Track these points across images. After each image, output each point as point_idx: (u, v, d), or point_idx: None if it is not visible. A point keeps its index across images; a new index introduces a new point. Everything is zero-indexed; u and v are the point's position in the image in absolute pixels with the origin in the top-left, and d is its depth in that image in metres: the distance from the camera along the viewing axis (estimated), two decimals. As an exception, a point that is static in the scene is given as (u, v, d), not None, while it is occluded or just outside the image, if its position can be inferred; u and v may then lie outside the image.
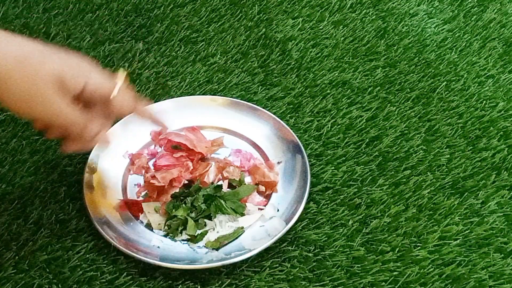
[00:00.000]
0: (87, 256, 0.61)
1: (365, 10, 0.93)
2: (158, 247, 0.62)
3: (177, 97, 0.77)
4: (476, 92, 0.81)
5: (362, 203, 0.68)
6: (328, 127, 0.75)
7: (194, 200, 0.65)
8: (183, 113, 0.74)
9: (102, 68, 0.54)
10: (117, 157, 0.70)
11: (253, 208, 0.66)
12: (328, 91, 0.80)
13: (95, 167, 0.68)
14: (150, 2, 0.92)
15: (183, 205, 0.65)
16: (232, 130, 0.73)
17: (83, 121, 0.53)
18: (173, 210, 0.64)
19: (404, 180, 0.70)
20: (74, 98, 0.52)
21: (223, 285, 0.60)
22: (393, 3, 0.94)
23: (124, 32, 0.87)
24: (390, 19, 0.92)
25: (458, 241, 0.64)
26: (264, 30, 0.88)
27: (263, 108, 0.77)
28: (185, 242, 0.63)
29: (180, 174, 0.67)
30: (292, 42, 0.87)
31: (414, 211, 0.67)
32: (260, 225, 0.65)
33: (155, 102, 0.77)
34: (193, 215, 0.64)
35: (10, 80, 0.48)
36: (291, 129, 0.72)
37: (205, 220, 0.64)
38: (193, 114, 0.74)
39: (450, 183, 0.70)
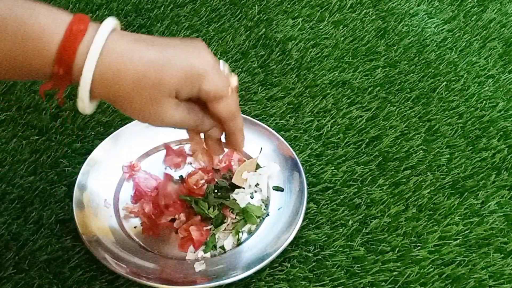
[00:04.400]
0: (87, 256, 0.61)
1: (365, 10, 0.93)
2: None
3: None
4: (476, 92, 0.81)
5: (362, 203, 0.68)
6: (328, 127, 0.75)
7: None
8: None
9: (216, 66, 0.52)
10: (106, 175, 0.69)
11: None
12: (328, 91, 0.80)
13: (85, 185, 0.66)
14: (150, 2, 0.92)
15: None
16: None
17: (196, 120, 0.52)
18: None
19: (404, 180, 0.70)
20: (189, 98, 0.51)
21: (223, 285, 0.60)
22: (393, 3, 0.94)
23: (124, 32, 0.87)
24: (390, 19, 0.92)
25: (458, 241, 0.64)
26: (264, 30, 0.88)
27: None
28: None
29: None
30: (292, 42, 0.87)
31: (414, 211, 0.67)
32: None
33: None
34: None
35: (129, 100, 0.48)
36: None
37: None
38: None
39: (450, 183, 0.70)
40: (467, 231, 0.65)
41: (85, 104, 0.47)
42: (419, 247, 0.64)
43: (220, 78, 0.51)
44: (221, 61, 0.54)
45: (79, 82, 0.46)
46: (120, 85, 0.47)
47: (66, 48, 0.45)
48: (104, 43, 0.46)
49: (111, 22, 0.47)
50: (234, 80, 0.53)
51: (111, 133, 0.71)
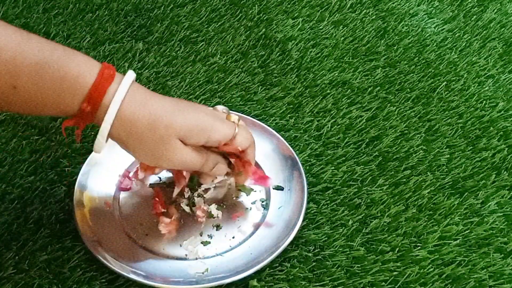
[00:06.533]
0: (87, 256, 0.61)
1: (365, 10, 0.93)
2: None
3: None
4: (476, 92, 0.81)
5: (362, 203, 0.68)
6: (328, 127, 0.75)
7: None
8: None
9: (220, 117, 0.58)
10: (107, 176, 0.69)
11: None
12: (328, 91, 0.80)
13: (85, 185, 0.67)
14: (150, 2, 0.92)
15: None
16: None
17: (201, 161, 0.58)
18: None
19: (404, 180, 0.70)
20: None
21: (223, 285, 0.60)
22: (393, 3, 0.94)
23: (124, 32, 0.87)
24: (390, 19, 0.92)
25: (458, 241, 0.64)
26: (264, 30, 0.88)
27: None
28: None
29: None
30: (292, 42, 0.87)
31: (414, 211, 0.67)
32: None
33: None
34: None
35: (141, 141, 0.54)
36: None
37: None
38: None
39: (450, 183, 0.70)
40: (467, 231, 0.65)
41: (103, 140, 0.53)
42: (419, 247, 0.64)
43: (225, 126, 0.58)
44: (220, 106, 0.62)
45: (103, 119, 0.52)
46: (136, 125, 0.53)
47: (98, 88, 0.51)
48: (128, 88, 0.52)
49: (132, 74, 0.54)
50: (234, 118, 0.59)
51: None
